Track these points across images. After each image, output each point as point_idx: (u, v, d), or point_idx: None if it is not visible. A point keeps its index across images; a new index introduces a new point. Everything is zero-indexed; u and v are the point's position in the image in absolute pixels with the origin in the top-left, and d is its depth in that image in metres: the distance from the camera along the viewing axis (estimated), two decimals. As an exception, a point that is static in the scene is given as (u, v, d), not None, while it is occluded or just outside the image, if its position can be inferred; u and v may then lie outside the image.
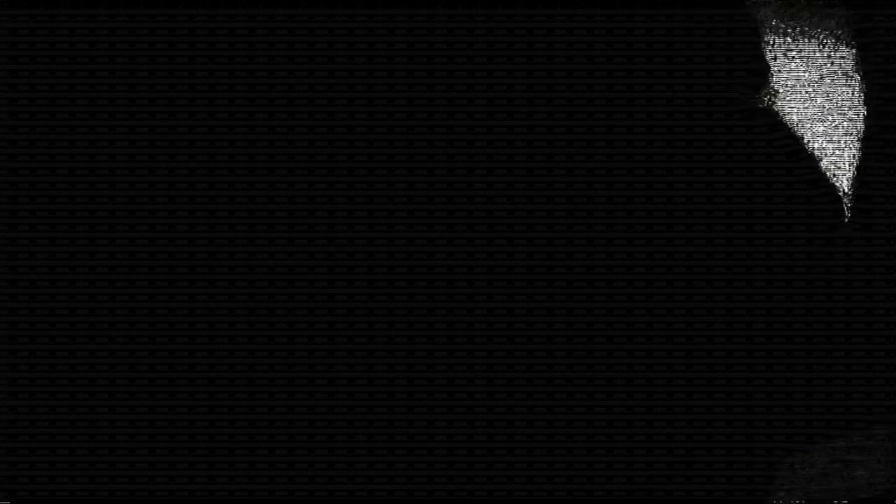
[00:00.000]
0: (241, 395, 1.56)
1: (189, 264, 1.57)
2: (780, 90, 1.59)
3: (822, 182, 1.58)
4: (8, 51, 1.57)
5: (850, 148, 1.60)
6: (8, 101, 1.57)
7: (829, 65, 1.59)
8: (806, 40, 1.56)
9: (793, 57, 1.59)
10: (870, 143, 1.59)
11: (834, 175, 1.59)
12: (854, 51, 1.59)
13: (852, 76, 1.60)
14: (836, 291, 1.56)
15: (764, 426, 1.56)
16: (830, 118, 1.60)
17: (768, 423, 1.56)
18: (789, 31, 1.52)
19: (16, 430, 1.55)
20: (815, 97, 1.60)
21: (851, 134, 1.60)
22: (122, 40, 1.57)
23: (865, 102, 1.60)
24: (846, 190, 1.58)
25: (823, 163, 1.59)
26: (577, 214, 1.58)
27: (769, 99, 1.59)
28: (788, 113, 1.60)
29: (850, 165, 1.59)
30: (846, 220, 1.56)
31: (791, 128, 1.59)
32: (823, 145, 1.59)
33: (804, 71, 1.60)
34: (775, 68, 1.60)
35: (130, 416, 1.55)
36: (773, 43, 1.57)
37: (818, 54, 1.60)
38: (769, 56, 1.60)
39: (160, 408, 1.55)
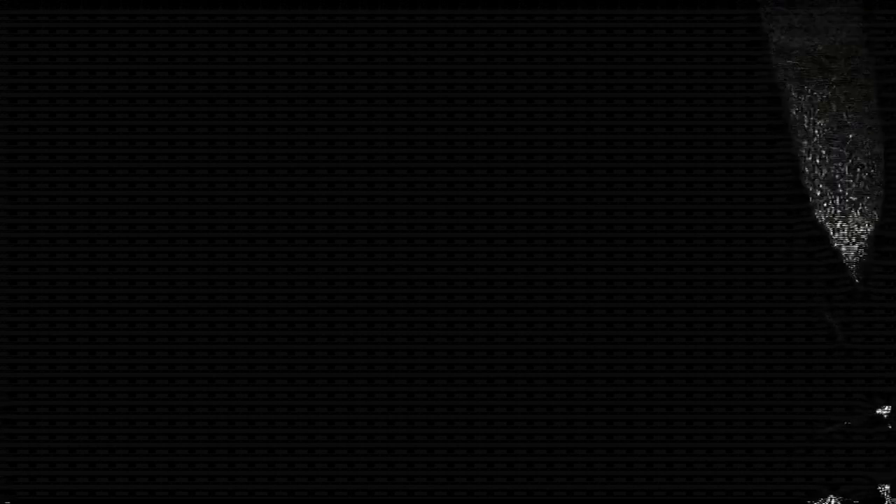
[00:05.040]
0: (241, 395, 1.56)
1: (189, 264, 1.57)
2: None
3: (819, 178, 1.58)
4: (8, 51, 1.58)
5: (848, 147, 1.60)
6: (8, 101, 1.58)
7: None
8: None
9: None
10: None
11: (831, 170, 1.59)
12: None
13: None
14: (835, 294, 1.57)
15: (764, 426, 1.56)
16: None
17: (768, 423, 1.56)
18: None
19: (16, 430, 1.55)
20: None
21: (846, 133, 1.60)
22: (122, 40, 1.58)
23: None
24: (845, 181, 1.58)
25: (821, 161, 1.59)
26: (576, 214, 1.58)
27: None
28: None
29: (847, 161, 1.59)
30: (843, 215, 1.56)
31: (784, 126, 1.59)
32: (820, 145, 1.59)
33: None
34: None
35: (130, 416, 1.55)
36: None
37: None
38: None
39: (160, 408, 1.56)
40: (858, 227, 1.57)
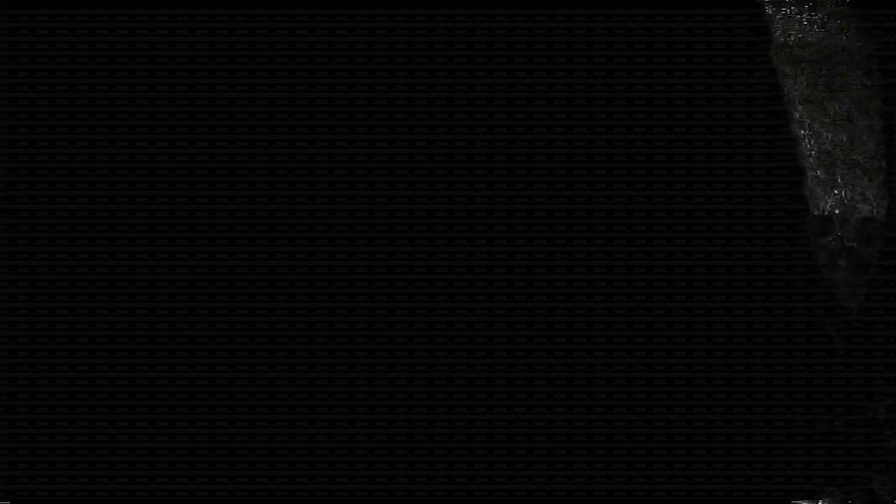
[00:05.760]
0: (241, 395, 1.56)
1: (189, 264, 1.57)
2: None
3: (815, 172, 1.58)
4: (8, 51, 1.58)
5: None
6: (8, 101, 1.58)
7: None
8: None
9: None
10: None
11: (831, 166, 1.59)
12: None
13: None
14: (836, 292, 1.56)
15: (763, 426, 1.56)
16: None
17: (767, 423, 1.56)
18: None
19: (16, 430, 1.55)
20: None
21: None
22: (122, 40, 1.58)
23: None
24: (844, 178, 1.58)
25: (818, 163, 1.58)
26: (576, 214, 1.58)
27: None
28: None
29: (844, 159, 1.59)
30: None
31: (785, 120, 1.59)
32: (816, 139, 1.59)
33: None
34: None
35: (130, 416, 1.55)
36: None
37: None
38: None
39: (160, 408, 1.56)
40: (857, 226, 1.57)
